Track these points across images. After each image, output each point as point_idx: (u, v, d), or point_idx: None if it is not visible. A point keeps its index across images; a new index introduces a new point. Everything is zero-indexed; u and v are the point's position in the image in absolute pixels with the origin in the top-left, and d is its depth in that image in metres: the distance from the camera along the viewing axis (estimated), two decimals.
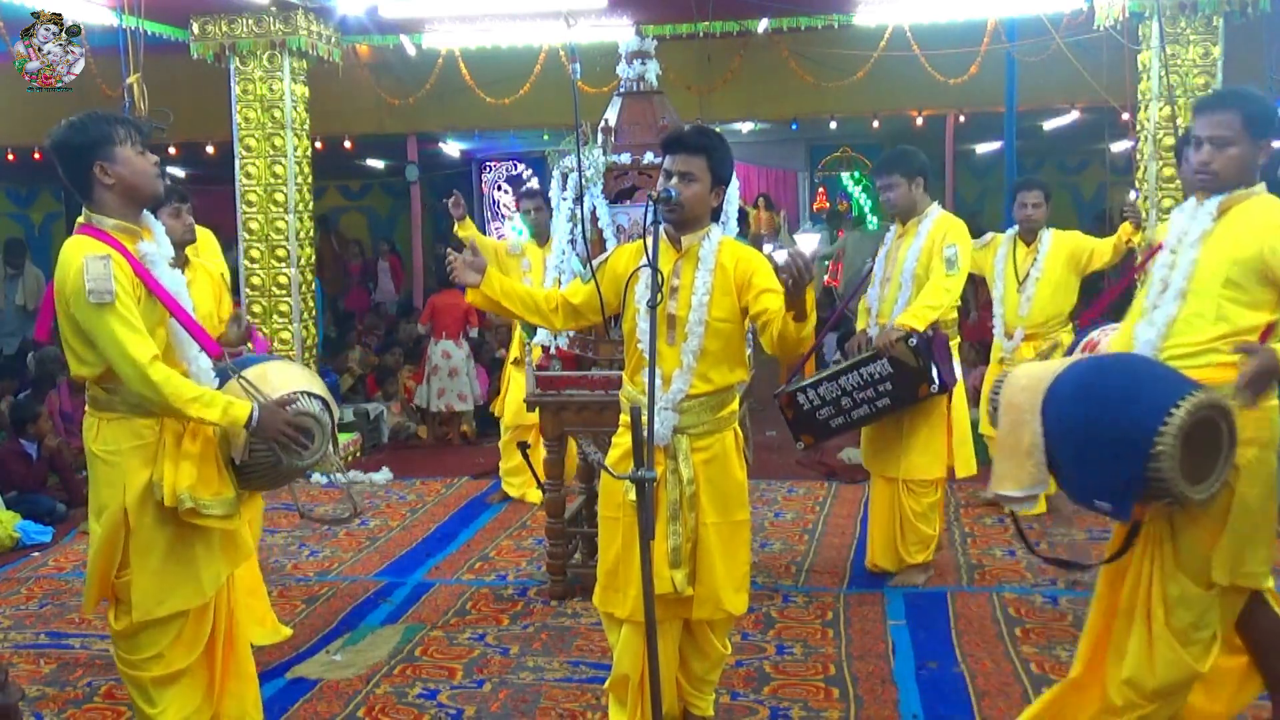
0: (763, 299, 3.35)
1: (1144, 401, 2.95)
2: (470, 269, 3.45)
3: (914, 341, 4.87)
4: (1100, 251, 6.25)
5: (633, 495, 3.24)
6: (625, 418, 3.50)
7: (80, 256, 3.13)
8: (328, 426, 3.53)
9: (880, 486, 5.36)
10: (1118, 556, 3.28)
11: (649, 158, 5.02)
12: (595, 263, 3.60)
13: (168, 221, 4.67)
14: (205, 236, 5.11)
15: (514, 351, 6.91)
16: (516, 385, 6.80)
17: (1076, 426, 3.06)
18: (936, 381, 4.90)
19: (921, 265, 5.10)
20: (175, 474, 3.27)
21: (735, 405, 3.59)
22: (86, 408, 3.40)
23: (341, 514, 4.48)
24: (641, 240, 3.55)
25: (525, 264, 6.83)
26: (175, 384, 3.18)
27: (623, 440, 3.49)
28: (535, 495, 6.61)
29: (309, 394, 3.51)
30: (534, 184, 9.32)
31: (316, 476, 7.48)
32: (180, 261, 4.69)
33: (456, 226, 6.98)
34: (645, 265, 3.23)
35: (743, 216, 10.77)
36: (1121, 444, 2.94)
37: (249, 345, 4.33)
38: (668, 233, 3.47)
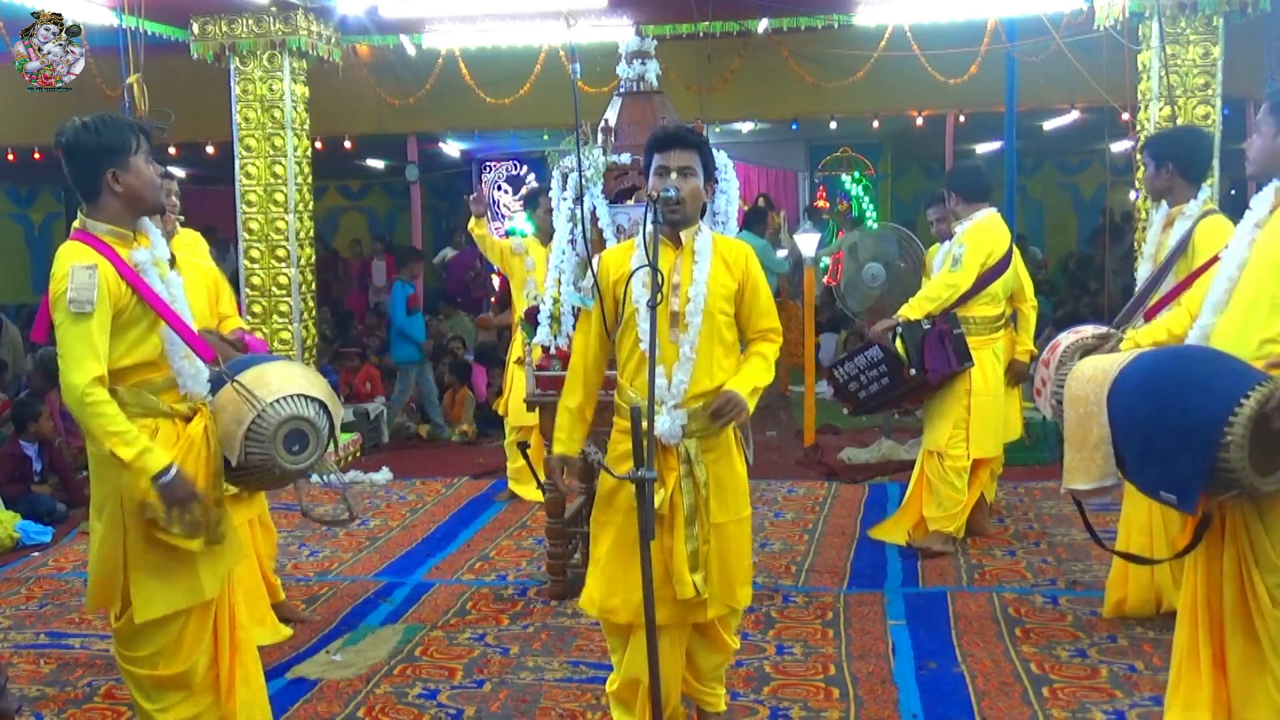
0: (761, 321, 3.52)
1: (1213, 391, 2.89)
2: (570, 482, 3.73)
3: (899, 329, 5.42)
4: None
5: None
6: (622, 421, 3.49)
7: (68, 265, 3.12)
8: (323, 431, 3.47)
9: (921, 459, 5.89)
10: (1189, 550, 3.22)
11: None
12: (588, 286, 3.54)
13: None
14: (194, 239, 5.02)
15: (516, 351, 6.89)
16: (520, 385, 6.79)
17: (1143, 419, 3.01)
18: (915, 368, 5.38)
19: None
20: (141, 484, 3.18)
21: None
22: None
23: (340, 515, 4.44)
24: (628, 241, 3.58)
25: (529, 263, 6.82)
26: (104, 412, 3.09)
27: (621, 443, 3.46)
28: (535, 494, 6.60)
29: (305, 397, 3.44)
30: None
31: (315, 478, 7.43)
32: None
33: (472, 222, 6.94)
34: (645, 265, 3.23)
35: (761, 216, 10.72)
36: (1189, 434, 2.88)
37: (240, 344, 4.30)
38: (665, 232, 3.46)
